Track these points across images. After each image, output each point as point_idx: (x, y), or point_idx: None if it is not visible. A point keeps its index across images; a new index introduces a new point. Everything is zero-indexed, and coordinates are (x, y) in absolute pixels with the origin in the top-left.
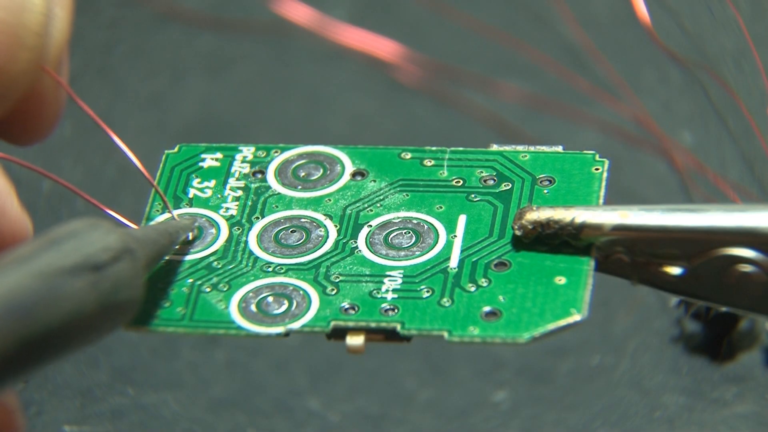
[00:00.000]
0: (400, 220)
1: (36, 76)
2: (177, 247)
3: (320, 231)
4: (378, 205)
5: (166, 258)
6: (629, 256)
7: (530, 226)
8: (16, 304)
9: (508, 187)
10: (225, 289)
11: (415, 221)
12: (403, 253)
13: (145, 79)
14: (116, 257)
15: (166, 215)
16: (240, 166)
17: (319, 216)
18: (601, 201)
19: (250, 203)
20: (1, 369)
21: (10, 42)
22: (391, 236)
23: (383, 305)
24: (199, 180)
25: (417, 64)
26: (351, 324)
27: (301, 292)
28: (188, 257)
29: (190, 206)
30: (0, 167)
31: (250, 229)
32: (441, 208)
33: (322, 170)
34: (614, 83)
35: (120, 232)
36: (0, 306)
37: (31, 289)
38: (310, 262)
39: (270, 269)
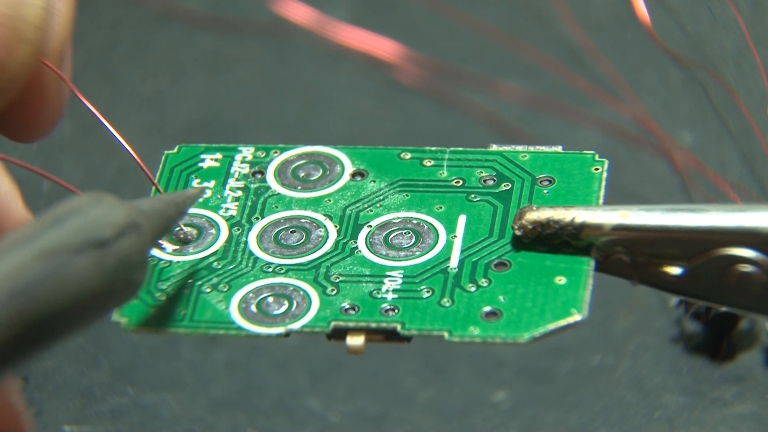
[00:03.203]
0: (400, 220)
1: (35, 69)
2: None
3: (320, 231)
4: (378, 205)
5: (169, 259)
6: (629, 256)
7: (530, 226)
8: (21, 286)
9: (507, 187)
10: (225, 289)
11: (415, 221)
12: (403, 254)
13: (145, 79)
14: (121, 232)
15: None
16: (239, 167)
17: (319, 216)
18: (601, 201)
19: (249, 204)
20: (7, 351)
21: (9, 35)
22: (391, 236)
23: (383, 305)
24: (198, 180)
25: (417, 64)
26: (351, 324)
27: (301, 292)
28: (188, 257)
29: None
30: (3, 169)
31: (250, 229)
32: (441, 208)
33: (321, 170)
34: (614, 83)
35: (125, 206)
36: (4, 288)
37: (35, 270)
38: (310, 262)
39: (270, 270)
